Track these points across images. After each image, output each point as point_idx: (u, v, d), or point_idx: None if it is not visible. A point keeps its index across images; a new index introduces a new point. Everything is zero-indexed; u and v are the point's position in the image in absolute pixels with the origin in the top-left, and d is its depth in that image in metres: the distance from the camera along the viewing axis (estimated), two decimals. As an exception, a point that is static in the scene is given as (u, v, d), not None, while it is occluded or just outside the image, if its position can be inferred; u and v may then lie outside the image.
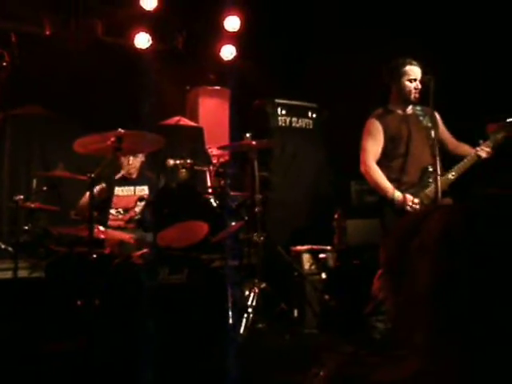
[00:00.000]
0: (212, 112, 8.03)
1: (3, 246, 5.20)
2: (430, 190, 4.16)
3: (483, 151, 4.21)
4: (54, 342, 4.08)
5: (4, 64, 5.49)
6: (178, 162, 5.11)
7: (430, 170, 4.19)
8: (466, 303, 1.12)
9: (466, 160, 4.26)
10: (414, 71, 4.39)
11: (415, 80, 4.36)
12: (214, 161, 6.29)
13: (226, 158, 7.01)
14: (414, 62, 4.42)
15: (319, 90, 6.84)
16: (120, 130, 3.89)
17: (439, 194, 3.96)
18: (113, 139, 3.91)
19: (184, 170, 4.89)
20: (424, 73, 4.34)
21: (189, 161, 5.24)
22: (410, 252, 1.22)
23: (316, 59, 6.78)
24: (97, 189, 4.88)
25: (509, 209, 1.29)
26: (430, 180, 4.19)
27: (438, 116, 4.49)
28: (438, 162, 3.99)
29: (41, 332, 4.19)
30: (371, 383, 1.25)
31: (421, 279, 1.17)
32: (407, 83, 4.37)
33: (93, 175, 3.78)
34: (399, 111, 4.47)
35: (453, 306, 1.13)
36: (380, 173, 4.35)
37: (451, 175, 4.23)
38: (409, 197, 4.20)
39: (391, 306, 1.29)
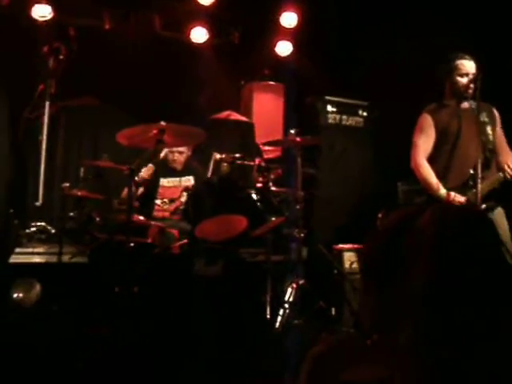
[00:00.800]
0: (266, 107, 8.04)
1: (53, 231, 5.41)
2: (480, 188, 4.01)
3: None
4: (92, 325, 4.23)
5: (61, 57, 5.67)
6: (223, 156, 5.17)
7: (472, 172, 4.09)
8: (461, 304, 1.12)
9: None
10: (465, 66, 4.30)
11: (467, 75, 4.27)
12: (266, 156, 6.35)
13: (278, 153, 7.04)
14: (467, 57, 4.32)
15: (372, 89, 6.77)
16: (162, 122, 3.99)
17: (479, 195, 3.89)
18: (155, 131, 4.01)
19: (226, 164, 4.95)
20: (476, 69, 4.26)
21: (236, 155, 5.31)
22: (401, 251, 1.22)
23: (370, 57, 6.72)
24: (143, 170, 5.00)
25: None
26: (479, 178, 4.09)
27: (496, 114, 4.40)
28: (479, 162, 3.91)
29: (80, 315, 4.34)
30: (342, 382, 1.27)
31: (414, 279, 1.17)
32: (458, 78, 4.30)
33: (132, 167, 3.89)
34: (452, 104, 4.38)
35: (447, 306, 1.13)
36: (429, 170, 4.30)
37: (502, 173, 4.14)
38: (453, 195, 4.13)
39: (372, 305, 1.29)
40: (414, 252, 1.19)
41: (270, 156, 6.72)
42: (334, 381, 1.25)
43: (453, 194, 4.14)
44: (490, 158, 4.25)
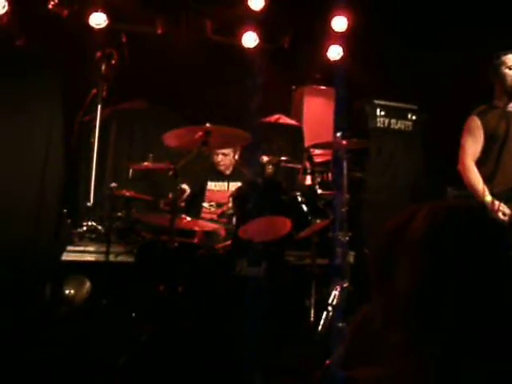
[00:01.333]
0: (317, 111, 8.07)
1: (103, 231, 5.55)
2: None
3: None
4: (137, 322, 4.32)
5: (113, 62, 5.83)
6: (269, 158, 5.21)
7: None
8: (448, 306, 1.11)
9: None
10: (511, 59, 4.22)
11: None
12: (316, 160, 6.35)
13: (329, 157, 7.04)
14: (509, 52, 4.24)
15: (421, 92, 6.72)
16: (208, 124, 4.04)
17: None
18: (200, 133, 4.07)
19: (271, 167, 4.98)
20: None
21: (282, 158, 5.33)
22: (396, 251, 1.22)
23: (419, 60, 6.66)
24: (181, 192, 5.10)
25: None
26: None
27: None
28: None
29: (126, 313, 4.44)
30: (350, 379, 1.28)
31: (402, 279, 1.17)
32: (507, 71, 4.19)
33: (177, 167, 3.96)
34: (502, 106, 4.28)
35: (433, 308, 1.13)
36: (475, 174, 4.20)
37: None
38: (497, 204, 4.04)
39: (376, 306, 1.30)
40: (405, 253, 1.19)
41: (321, 159, 6.72)
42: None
43: (497, 203, 4.04)
44: None
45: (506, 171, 4.15)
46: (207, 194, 5.59)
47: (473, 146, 4.28)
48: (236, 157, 5.70)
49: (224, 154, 5.57)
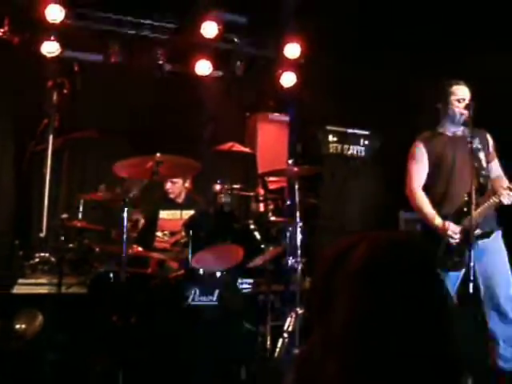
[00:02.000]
0: (270, 138, 8.12)
1: (55, 262, 5.47)
2: (475, 214, 3.95)
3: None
4: (90, 355, 4.28)
5: (65, 91, 5.81)
6: (223, 186, 5.22)
7: (466, 198, 4.04)
8: (383, 338, 1.11)
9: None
10: (461, 91, 4.29)
11: (463, 100, 4.25)
12: (271, 187, 6.38)
13: (284, 184, 7.09)
14: (461, 82, 4.33)
15: (373, 118, 6.84)
16: (158, 154, 4.05)
17: (473, 222, 3.86)
18: (151, 163, 4.08)
19: (222, 195, 4.99)
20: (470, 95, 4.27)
21: (234, 186, 5.35)
22: (334, 284, 1.20)
23: (371, 87, 6.80)
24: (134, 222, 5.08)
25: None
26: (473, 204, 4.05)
27: (490, 139, 4.38)
28: (473, 189, 3.89)
29: (80, 346, 4.39)
30: None
31: (340, 310, 1.16)
32: (455, 103, 4.27)
33: (126, 197, 3.96)
34: (447, 133, 4.38)
35: (369, 340, 1.12)
36: (423, 198, 4.28)
37: (496, 198, 4.07)
38: (448, 225, 4.11)
39: (316, 337, 1.30)
40: (343, 284, 1.18)
41: (275, 186, 6.76)
42: None
43: (447, 223, 4.13)
44: (485, 184, 4.24)
45: (455, 194, 4.23)
46: (160, 222, 5.56)
47: (419, 171, 4.36)
48: (187, 184, 5.69)
49: (172, 182, 5.55)
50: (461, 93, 4.29)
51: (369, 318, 1.13)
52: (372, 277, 1.15)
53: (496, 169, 4.36)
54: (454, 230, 4.10)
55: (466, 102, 4.23)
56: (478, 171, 4.17)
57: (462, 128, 4.33)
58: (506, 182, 4.17)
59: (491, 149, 4.37)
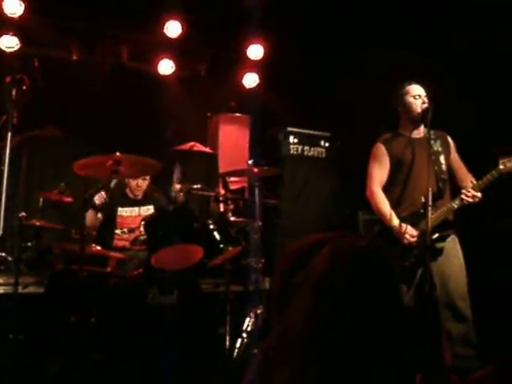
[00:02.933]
0: (232, 139, 8.14)
1: (10, 258, 5.39)
2: (431, 217, 3.95)
3: (467, 196, 4.11)
4: (47, 355, 4.22)
5: (24, 88, 5.71)
6: (182, 186, 5.22)
7: (423, 200, 4.09)
8: (336, 347, 1.13)
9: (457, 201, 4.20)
10: (416, 89, 4.35)
11: (420, 96, 4.31)
12: (232, 187, 6.40)
13: (245, 184, 7.12)
14: (413, 82, 4.41)
15: (333, 120, 6.91)
16: (117, 153, 4.03)
17: (429, 225, 3.90)
18: (110, 162, 4.05)
19: (182, 194, 4.99)
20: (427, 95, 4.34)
21: (194, 186, 5.35)
22: (294, 284, 1.22)
23: (332, 89, 6.87)
24: (97, 197, 4.99)
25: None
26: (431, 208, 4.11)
27: (451, 141, 4.44)
28: (430, 191, 3.94)
29: (36, 345, 4.32)
30: None
31: (296, 316, 1.18)
32: (412, 100, 4.32)
33: (86, 196, 3.93)
34: (407, 134, 4.40)
35: (320, 344, 1.13)
36: (383, 199, 4.31)
37: (455, 204, 4.15)
38: (405, 227, 4.16)
39: (273, 337, 1.30)
40: (302, 288, 1.19)
41: (236, 187, 6.79)
42: None
43: (405, 225, 4.18)
44: (443, 187, 4.29)
45: (413, 196, 4.26)
46: (118, 220, 5.52)
47: (379, 172, 4.40)
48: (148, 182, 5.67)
49: (144, 179, 5.54)
50: (415, 90, 4.35)
51: (325, 328, 1.14)
52: (331, 289, 1.16)
53: (460, 168, 4.42)
54: (411, 233, 4.16)
55: (423, 98, 4.31)
56: (437, 174, 4.24)
57: (422, 129, 4.36)
58: (471, 178, 4.26)
59: (453, 151, 4.44)
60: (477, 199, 4.12)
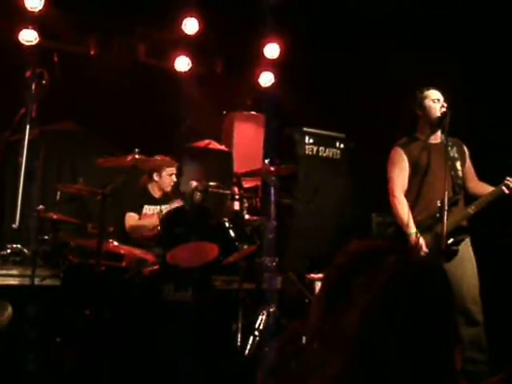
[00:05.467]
0: (247, 137, 8.15)
1: (28, 254, 5.44)
2: (448, 222, 4.01)
3: (507, 186, 4.18)
4: (60, 348, 4.26)
5: (43, 82, 5.76)
6: (198, 183, 5.25)
7: (439, 204, 4.13)
8: (389, 353, 1.14)
9: (487, 194, 4.25)
10: (435, 93, 4.41)
11: (439, 100, 4.36)
12: (246, 185, 6.42)
13: (259, 183, 7.14)
14: (431, 87, 4.46)
15: (349, 121, 6.92)
16: (136, 156, 4.06)
17: (444, 230, 3.93)
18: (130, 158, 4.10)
19: (199, 192, 5.02)
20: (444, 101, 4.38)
21: (210, 183, 5.38)
22: (353, 286, 1.23)
23: (347, 90, 6.87)
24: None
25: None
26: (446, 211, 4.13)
27: (466, 150, 4.49)
28: (446, 195, 3.96)
29: (50, 338, 4.36)
30: None
31: (352, 317, 1.18)
32: (431, 104, 4.37)
33: (105, 191, 3.97)
34: (423, 138, 4.43)
35: (376, 350, 1.15)
36: (405, 206, 4.28)
37: (471, 209, 4.20)
38: (421, 242, 4.19)
39: (312, 330, 1.31)
40: (363, 290, 1.20)
41: (250, 185, 6.81)
42: None
43: (422, 240, 4.20)
44: (459, 193, 4.33)
45: (428, 200, 4.30)
46: (143, 217, 5.57)
47: (401, 177, 4.41)
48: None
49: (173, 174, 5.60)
50: (434, 95, 4.41)
51: (382, 333, 1.16)
52: (393, 298, 1.18)
53: (473, 176, 4.47)
54: (423, 249, 4.19)
55: (442, 102, 4.34)
56: (453, 179, 4.27)
57: (439, 134, 4.40)
58: (486, 186, 4.31)
59: (468, 159, 4.48)
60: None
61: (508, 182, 4.18)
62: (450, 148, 4.30)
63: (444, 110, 4.29)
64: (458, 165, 4.35)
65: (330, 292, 1.31)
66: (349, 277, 1.26)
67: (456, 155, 4.35)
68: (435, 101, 4.37)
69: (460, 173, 4.35)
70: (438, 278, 1.26)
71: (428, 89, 4.46)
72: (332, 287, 1.31)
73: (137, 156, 4.11)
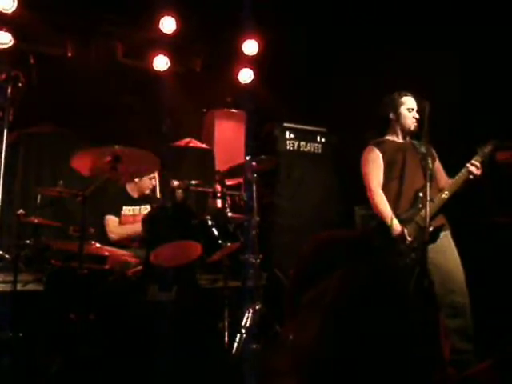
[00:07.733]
0: (228, 134, 8.14)
1: (10, 259, 5.38)
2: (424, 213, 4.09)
3: (473, 166, 4.24)
4: (46, 353, 4.21)
5: (19, 85, 5.67)
6: (179, 182, 5.22)
7: (421, 195, 4.23)
8: (343, 367, 1.13)
9: (457, 177, 4.31)
10: (411, 101, 4.55)
11: (413, 110, 4.50)
12: (228, 183, 6.40)
13: (241, 180, 7.11)
14: (409, 94, 4.58)
15: (330, 115, 6.91)
16: (116, 146, 3.98)
17: (428, 220, 3.97)
18: (109, 158, 4.01)
19: (180, 191, 5.00)
20: (420, 99, 4.41)
21: (192, 182, 5.35)
22: (303, 300, 1.23)
23: (328, 84, 6.87)
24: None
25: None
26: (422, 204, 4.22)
27: (434, 151, 4.58)
28: (428, 186, 4.01)
29: (35, 343, 4.32)
30: None
31: (306, 332, 1.17)
32: (406, 112, 4.51)
33: (86, 193, 3.93)
34: (396, 140, 4.58)
35: (331, 365, 1.13)
36: (383, 199, 4.40)
37: (445, 194, 4.28)
38: (405, 232, 4.23)
39: (287, 330, 1.31)
40: (313, 306, 1.20)
41: (233, 183, 6.79)
42: None
43: (406, 231, 4.24)
44: (431, 184, 4.40)
45: (407, 195, 4.40)
46: (122, 218, 5.53)
47: (377, 172, 4.50)
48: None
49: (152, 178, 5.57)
50: (410, 103, 4.54)
51: (331, 349, 1.14)
52: (343, 314, 1.16)
53: (442, 173, 4.57)
54: (408, 239, 4.23)
55: (415, 112, 4.48)
56: (424, 173, 4.34)
57: (408, 138, 4.56)
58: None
59: (436, 158, 4.59)
60: (479, 172, 4.23)
61: (473, 161, 4.24)
62: (418, 146, 4.47)
63: (415, 123, 4.46)
64: (429, 160, 4.40)
65: (288, 298, 1.37)
66: (301, 287, 1.28)
67: (426, 152, 4.41)
68: (410, 110, 4.52)
69: (430, 165, 4.42)
70: (387, 280, 1.24)
71: (406, 95, 4.57)
72: (290, 294, 1.36)
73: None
